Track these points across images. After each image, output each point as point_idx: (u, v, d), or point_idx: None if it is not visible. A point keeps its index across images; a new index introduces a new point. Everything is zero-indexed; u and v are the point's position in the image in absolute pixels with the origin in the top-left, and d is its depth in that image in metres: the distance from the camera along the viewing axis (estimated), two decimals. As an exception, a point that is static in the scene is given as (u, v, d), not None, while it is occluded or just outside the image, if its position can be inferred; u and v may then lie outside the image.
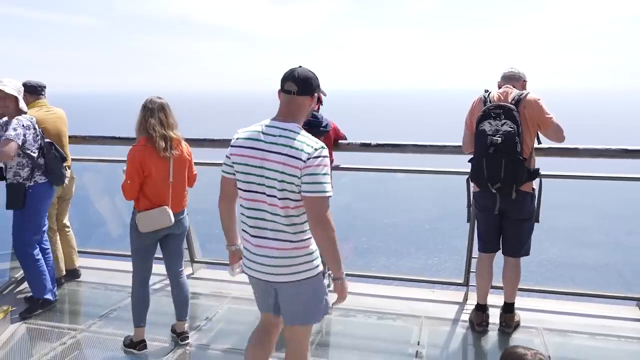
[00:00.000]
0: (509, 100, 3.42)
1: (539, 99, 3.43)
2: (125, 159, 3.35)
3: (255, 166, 2.34)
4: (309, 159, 2.26)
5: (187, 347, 3.70)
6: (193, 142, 4.57)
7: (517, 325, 3.87)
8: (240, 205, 2.49)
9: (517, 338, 3.75)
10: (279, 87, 2.42)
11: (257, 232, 2.43)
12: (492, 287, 3.93)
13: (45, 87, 4.49)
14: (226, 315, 4.20)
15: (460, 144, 3.79)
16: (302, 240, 2.40)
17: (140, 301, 3.58)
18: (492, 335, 3.81)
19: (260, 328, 2.78)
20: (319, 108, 3.79)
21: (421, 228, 3.95)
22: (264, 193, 2.35)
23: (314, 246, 2.44)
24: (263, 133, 2.37)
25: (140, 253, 3.53)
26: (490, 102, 3.47)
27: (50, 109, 4.43)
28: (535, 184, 3.53)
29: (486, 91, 3.55)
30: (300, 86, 2.36)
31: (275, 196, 2.32)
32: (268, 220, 2.38)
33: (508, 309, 3.82)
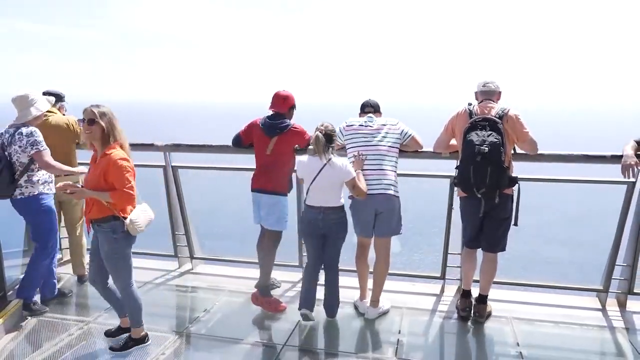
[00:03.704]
0: (493, 114, 3.49)
1: (519, 115, 3.52)
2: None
3: None
4: None
5: (187, 337, 3.68)
6: (189, 147, 4.60)
7: (489, 315, 3.91)
8: None
9: (489, 326, 3.79)
10: None
11: None
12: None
13: (56, 95, 4.41)
14: (223, 308, 4.18)
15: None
16: None
17: (140, 302, 3.51)
18: (466, 324, 3.84)
19: None
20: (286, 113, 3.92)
21: (405, 227, 4.00)
22: None
23: None
24: None
25: (128, 258, 3.38)
26: (475, 114, 3.51)
27: (46, 117, 4.20)
28: (514, 189, 3.58)
29: (470, 104, 3.62)
30: None
31: None
32: None
33: (482, 300, 3.87)
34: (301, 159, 3.81)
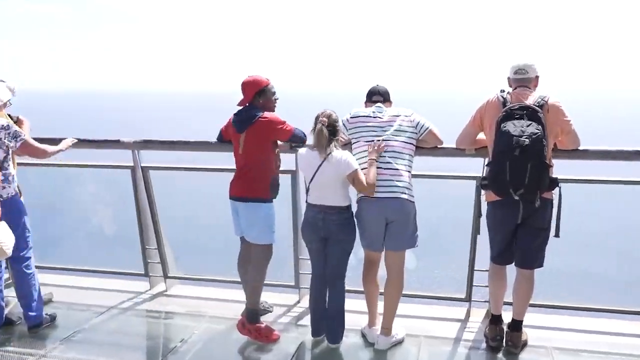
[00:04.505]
0: (532, 102, 3.50)
1: (560, 104, 3.54)
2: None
3: None
4: None
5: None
6: (162, 143, 4.61)
7: (525, 344, 3.90)
8: None
9: (525, 359, 3.77)
10: None
11: None
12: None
13: None
14: (204, 337, 4.17)
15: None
16: None
17: None
18: (497, 356, 3.82)
19: None
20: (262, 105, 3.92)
21: (421, 239, 3.97)
22: None
23: None
24: None
25: None
26: (509, 102, 3.54)
27: None
28: (554, 193, 3.58)
29: (502, 91, 3.63)
30: None
31: None
32: None
33: (515, 326, 3.86)
34: (301, 151, 3.86)
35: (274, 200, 3.98)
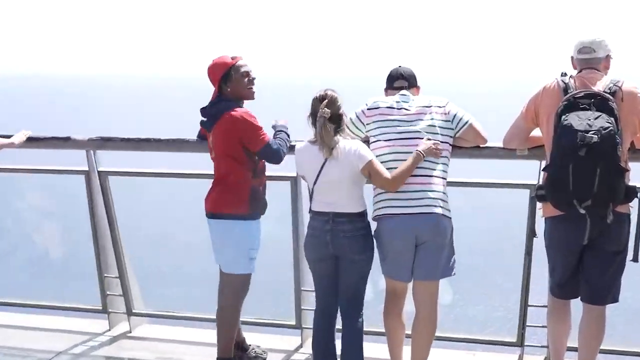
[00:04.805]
0: (601, 89, 3.49)
1: (638, 90, 3.51)
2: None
3: None
4: None
5: None
6: (125, 142, 4.64)
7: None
8: None
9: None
10: None
11: None
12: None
13: None
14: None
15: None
16: None
17: None
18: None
19: None
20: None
21: (459, 265, 3.93)
22: None
23: None
24: None
25: None
26: (572, 89, 3.53)
27: None
28: (631, 205, 3.58)
29: (564, 74, 3.61)
30: None
31: None
32: None
33: (581, 379, 3.84)
34: (298, 147, 3.88)
35: (260, 216, 3.98)
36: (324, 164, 3.69)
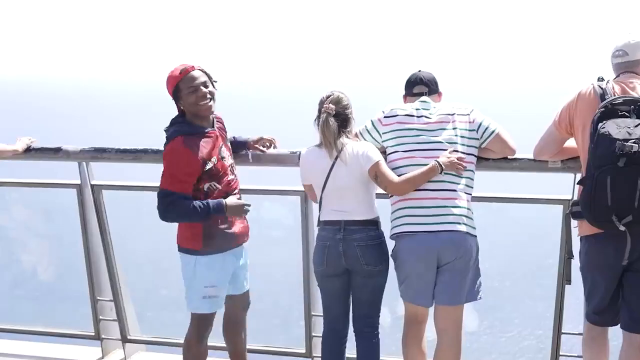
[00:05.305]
0: None
1: None
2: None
3: None
4: None
5: None
6: (120, 153, 4.67)
7: None
8: None
9: None
10: None
11: None
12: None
13: None
14: None
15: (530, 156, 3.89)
16: None
17: None
18: None
19: None
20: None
21: (485, 288, 3.90)
22: None
23: None
24: None
25: None
26: (609, 95, 3.53)
27: None
28: None
29: (601, 79, 3.62)
30: None
31: None
32: None
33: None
34: (303, 153, 3.94)
35: (225, 251, 3.90)
36: (331, 168, 3.75)
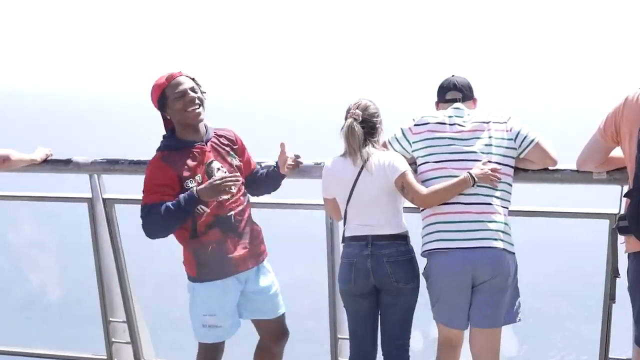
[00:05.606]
0: None
1: None
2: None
3: None
4: None
5: None
6: (134, 164, 4.68)
7: None
8: None
9: None
10: None
11: None
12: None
13: None
14: None
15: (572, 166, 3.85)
16: None
17: None
18: None
19: None
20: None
21: (524, 309, 3.87)
22: None
23: None
24: None
25: None
26: None
27: None
28: None
29: None
30: None
31: None
32: None
33: None
34: (327, 164, 3.93)
35: (223, 278, 3.83)
36: (357, 179, 3.74)
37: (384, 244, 3.74)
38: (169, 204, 3.57)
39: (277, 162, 4.00)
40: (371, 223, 3.76)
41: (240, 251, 3.83)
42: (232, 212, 3.80)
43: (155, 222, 3.63)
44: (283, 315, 4.08)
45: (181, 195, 3.59)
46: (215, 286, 3.81)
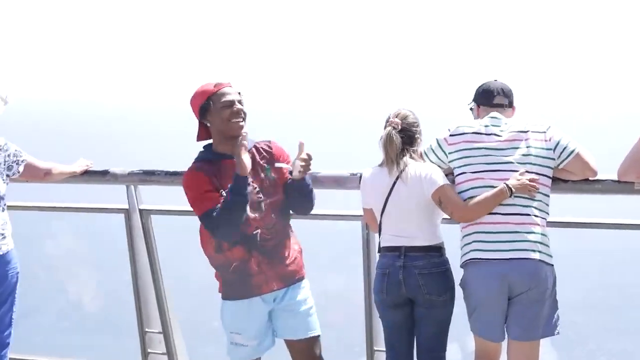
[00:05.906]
0: None
1: None
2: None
3: None
4: None
5: None
6: (170, 176, 4.71)
7: None
8: None
9: None
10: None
11: None
12: None
13: None
14: None
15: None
16: None
17: None
18: None
19: None
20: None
21: (564, 321, 3.80)
22: None
23: None
24: None
25: None
26: None
27: None
28: None
29: None
30: None
31: None
32: None
33: None
34: (365, 174, 3.94)
35: (249, 297, 3.76)
36: (392, 187, 3.75)
37: (417, 255, 3.74)
38: (222, 200, 3.53)
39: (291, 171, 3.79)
40: (405, 234, 3.76)
41: (264, 272, 3.71)
42: (258, 231, 3.69)
43: (221, 220, 3.53)
44: (316, 338, 3.91)
45: (229, 186, 3.53)
46: (240, 305, 3.76)
